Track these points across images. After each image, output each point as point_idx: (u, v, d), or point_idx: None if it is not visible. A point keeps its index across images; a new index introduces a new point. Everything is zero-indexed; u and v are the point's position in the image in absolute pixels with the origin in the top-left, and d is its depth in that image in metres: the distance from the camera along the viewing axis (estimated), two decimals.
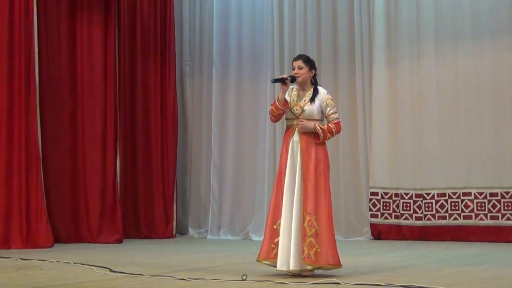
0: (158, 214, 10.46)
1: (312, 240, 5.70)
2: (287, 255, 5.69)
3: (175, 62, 10.90)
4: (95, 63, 9.72)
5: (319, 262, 5.69)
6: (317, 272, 5.78)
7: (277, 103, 5.91)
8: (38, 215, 8.76)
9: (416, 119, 9.73)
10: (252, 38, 10.81)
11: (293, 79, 5.95)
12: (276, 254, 5.75)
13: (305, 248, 5.68)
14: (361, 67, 10.07)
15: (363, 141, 9.97)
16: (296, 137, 5.88)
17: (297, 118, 5.90)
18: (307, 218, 5.72)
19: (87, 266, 6.43)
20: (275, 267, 5.77)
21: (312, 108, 5.89)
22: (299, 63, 6.00)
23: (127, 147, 10.28)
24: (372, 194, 9.82)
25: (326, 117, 5.97)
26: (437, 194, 9.54)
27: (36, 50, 8.97)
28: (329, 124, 5.90)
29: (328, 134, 5.86)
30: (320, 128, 5.83)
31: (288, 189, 5.79)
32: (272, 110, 5.97)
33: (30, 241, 8.63)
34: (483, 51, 9.43)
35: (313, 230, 5.72)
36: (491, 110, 9.33)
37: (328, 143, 5.99)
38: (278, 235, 5.78)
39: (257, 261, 5.92)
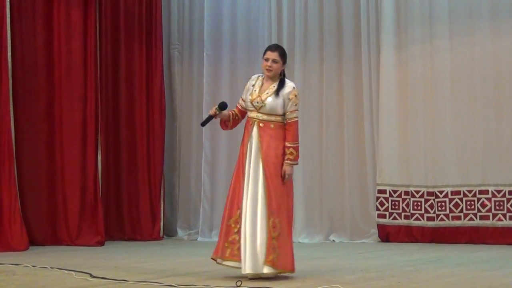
0: (143, 214, 10.47)
1: (275, 242, 5.81)
2: (254, 258, 5.76)
3: (162, 46, 10.88)
4: (73, 47, 9.70)
5: (278, 267, 5.80)
6: (321, 277, 5.81)
7: (220, 125, 6.24)
8: (12, 215, 8.77)
9: (428, 109, 9.75)
10: (247, 19, 10.80)
11: (222, 107, 5.99)
12: (231, 253, 5.88)
13: (270, 250, 5.77)
14: (368, 51, 10.06)
15: (369, 133, 9.97)
16: (255, 129, 5.95)
17: (257, 111, 5.92)
18: (271, 219, 5.81)
19: (66, 271, 6.44)
20: (229, 267, 5.91)
21: (275, 103, 5.94)
22: (275, 55, 6.04)
23: (109, 140, 10.28)
24: (380, 191, 9.84)
25: (284, 113, 5.97)
26: (451, 192, 9.56)
27: (9, 32, 8.95)
28: (290, 149, 5.88)
29: (296, 154, 5.93)
30: (290, 160, 5.88)
31: (252, 184, 5.86)
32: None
33: (3, 243, 8.63)
34: (503, 32, 9.43)
35: (277, 233, 5.81)
36: (511, 98, 9.35)
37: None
38: (233, 233, 5.86)
39: (212, 259, 6.05)
